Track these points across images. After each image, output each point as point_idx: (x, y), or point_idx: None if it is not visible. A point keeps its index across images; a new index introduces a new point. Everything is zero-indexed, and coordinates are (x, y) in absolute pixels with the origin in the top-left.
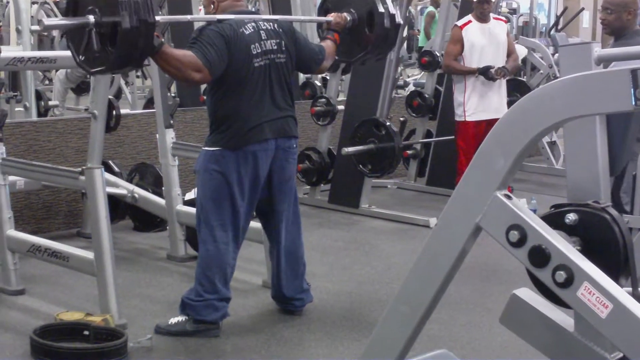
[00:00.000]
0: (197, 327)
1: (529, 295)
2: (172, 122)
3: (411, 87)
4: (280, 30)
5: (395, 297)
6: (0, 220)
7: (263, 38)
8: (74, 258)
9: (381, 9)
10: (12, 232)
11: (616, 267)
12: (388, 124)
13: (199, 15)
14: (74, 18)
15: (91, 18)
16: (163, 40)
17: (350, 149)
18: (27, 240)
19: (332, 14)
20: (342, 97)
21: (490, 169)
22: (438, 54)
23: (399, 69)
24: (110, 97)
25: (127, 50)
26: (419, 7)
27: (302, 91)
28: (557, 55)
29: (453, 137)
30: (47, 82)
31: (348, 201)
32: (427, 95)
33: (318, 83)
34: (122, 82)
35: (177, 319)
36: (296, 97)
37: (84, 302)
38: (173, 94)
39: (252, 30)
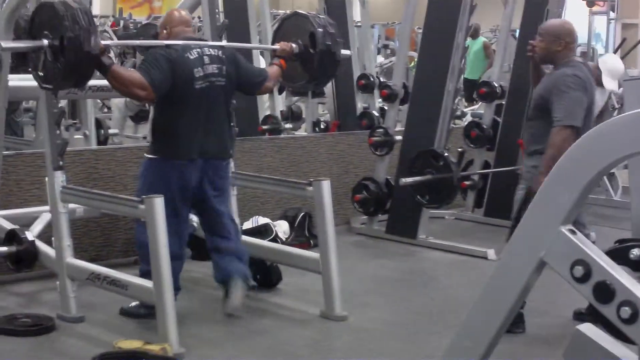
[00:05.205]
0: (149, 311)
1: (592, 330)
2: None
3: (469, 118)
4: (224, 56)
5: (457, 332)
6: (60, 248)
7: (206, 62)
8: (133, 286)
9: (319, 36)
10: (72, 260)
11: None
12: (446, 154)
13: (148, 41)
14: (30, 41)
15: (45, 41)
16: (114, 60)
17: (408, 180)
18: (87, 268)
19: (280, 42)
20: (399, 127)
21: (554, 204)
22: (496, 85)
23: (457, 99)
24: None
25: (75, 56)
26: None
27: (359, 121)
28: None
29: (511, 167)
30: (105, 110)
31: (405, 232)
32: (485, 126)
33: (376, 113)
34: None
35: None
36: (354, 127)
37: (143, 331)
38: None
39: (197, 55)
